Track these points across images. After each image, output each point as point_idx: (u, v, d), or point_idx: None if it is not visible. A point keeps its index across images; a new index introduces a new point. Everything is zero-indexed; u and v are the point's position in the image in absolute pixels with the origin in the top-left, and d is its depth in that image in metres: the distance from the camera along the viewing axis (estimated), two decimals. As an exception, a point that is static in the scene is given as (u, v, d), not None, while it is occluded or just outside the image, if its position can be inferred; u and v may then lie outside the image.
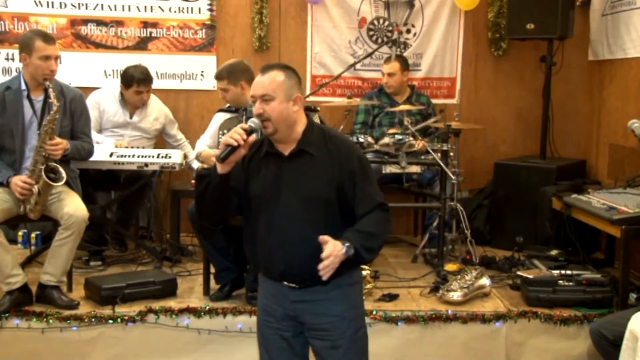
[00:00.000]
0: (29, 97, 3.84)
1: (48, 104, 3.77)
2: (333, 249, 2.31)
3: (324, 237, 2.33)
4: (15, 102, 3.82)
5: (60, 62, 5.14)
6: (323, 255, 2.31)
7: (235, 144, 2.36)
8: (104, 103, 4.83)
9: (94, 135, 4.39)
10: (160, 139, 5.12)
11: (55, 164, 3.71)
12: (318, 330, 2.49)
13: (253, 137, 2.42)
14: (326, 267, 2.31)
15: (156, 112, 4.98)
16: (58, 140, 3.70)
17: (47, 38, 3.79)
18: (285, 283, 2.49)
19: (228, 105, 4.29)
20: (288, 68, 2.51)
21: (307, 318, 2.49)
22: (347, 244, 2.34)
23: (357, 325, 2.56)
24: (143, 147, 4.72)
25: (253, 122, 2.41)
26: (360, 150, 2.56)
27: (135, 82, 4.74)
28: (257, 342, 2.65)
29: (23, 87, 3.83)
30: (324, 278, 2.34)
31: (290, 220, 2.42)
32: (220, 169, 2.39)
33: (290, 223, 2.42)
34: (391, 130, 4.85)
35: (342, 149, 2.49)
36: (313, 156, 2.45)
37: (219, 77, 4.20)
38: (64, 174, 3.72)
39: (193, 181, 4.59)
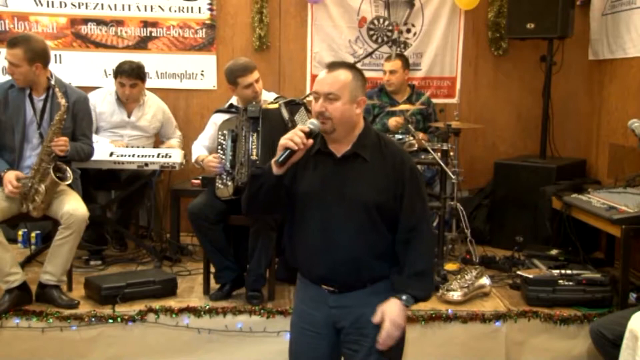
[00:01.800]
0: (30, 95, 3.85)
1: (55, 104, 3.78)
2: (390, 330, 2.36)
3: (377, 319, 2.35)
4: (18, 100, 3.83)
5: (60, 62, 5.22)
6: (380, 344, 2.36)
7: (296, 147, 2.28)
8: (100, 104, 4.79)
9: None
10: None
11: (61, 164, 3.72)
12: (356, 335, 2.44)
13: (311, 140, 2.33)
14: (386, 345, 2.37)
15: (154, 110, 4.95)
16: (62, 138, 3.71)
17: (9, 42, 3.79)
18: (324, 287, 2.43)
19: (228, 105, 4.28)
20: (355, 68, 2.44)
21: (346, 323, 2.44)
22: (404, 298, 2.37)
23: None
24: (143, 147, 4.72)
25: (312, 123, 2.34)
26: (414, 161, 2.52)
27: (119, 73, 4.71)
28: (289, 348, 2.59)
29: None
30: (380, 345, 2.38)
31: (335, 222, 2.36)
32: (277, 170, 2.32)
33: (335, 226, 2.36)
34: (392, 120, 4.84)
35: (397, 157, 2.42)
36: (366, 161, 2.39)
37: (251, 69, 4.00)
38: (70, 174, 3.73)
39: (194, 181, 4.65)
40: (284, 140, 2.30)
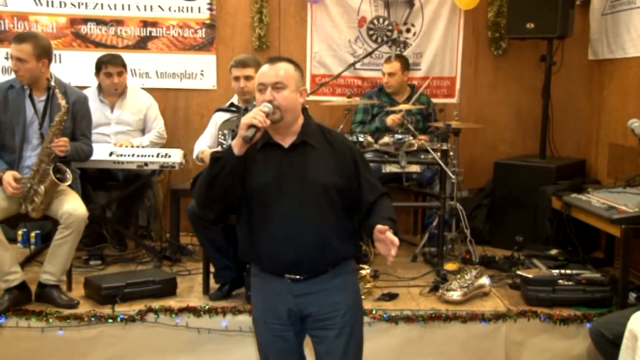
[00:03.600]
0: (30, 96, 3.85)
1: (55, 105, 3.77)
2: (392, 239, 2.39)
3: (383, 227, 2.36)
4: (18, 100, 3.83)
5: (60, 62, 5.22)
6: (394, 241, 2.37)
7: (260, 125, 2.36)
8: None
9: None
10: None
11: (61, 164, 3.72)
12: (323, 320, 2.51)
13: (269, 121, 2.41)
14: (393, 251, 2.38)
15: (136, 102, 4.94)
16: (63, 138, 3.71)
17: (15, 37, 3.79)
18: (288, 276, 2.49)
19: (228, 104, 4.28)
20: (294, 61, 2.56)
21: (313, 310, 2.51)
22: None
23: (359, 311, 2.64)
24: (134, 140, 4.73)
25: (267, 105, 2.42)
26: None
27: (102, 63, 4.75)
28: (257, 345, 2.64)
29: (26, 86, 3.84)
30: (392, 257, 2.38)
31: (296, 210, 2.43)
32: (238, 150, 2.39)
33: (297, 213, 2.43)
34: (390, 117, 4.84)
35: (342, 142, 2.58)
36: (314, 148, 2.49)
37: (245, 64, 4.10)
38: (70, 174, 3.73)
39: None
40: (247, 119, 2.37)
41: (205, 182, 2.46)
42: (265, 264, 2.55)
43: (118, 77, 4.78)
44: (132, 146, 4.66)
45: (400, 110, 4.81)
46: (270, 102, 2.43)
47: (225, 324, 3.69)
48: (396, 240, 2.37)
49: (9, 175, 3.67)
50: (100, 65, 4.77)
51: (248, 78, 4.09)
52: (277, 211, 2.45)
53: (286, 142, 2.51)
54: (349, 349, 2.53)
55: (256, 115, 2.36)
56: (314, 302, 2.50)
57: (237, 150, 2.39)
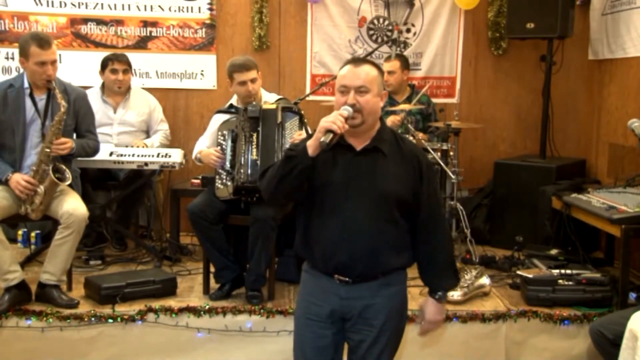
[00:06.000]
0: (31, 95, 3.84)
1: (55, 104, 3.77)
2: (429, 328, 2.65)
3: (423, 330, 2.68)
4: (18, 99, 3.82)
5: (60, 62, 5.14)
6: (428, 329, 2.64)
7: (339, 131, 2.33)
8: None
9: None
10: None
11: (60, 164, 3.71)
12: (361, 324, 2.50)
13: (347, 126, 2.38)
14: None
15: (139, 103, 4.94)
16: (63, 139, 3.72)
17: (42, 43, 3.73)
18: (337, 277, 2.48)
19: (228, 105, 4.28)
20: (377, 64, 2.54)
21: (356, 313, 2.50)
22: (439, 295, 2.57)
23: (401, 323, 2.61)
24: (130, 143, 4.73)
25: (346, 109, 2.39)
26: (428, 158, 2.68)
27: (109, 60, 4.77)
28: (293, 341, 2.63)
29: (26, 85, 3.84)
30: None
31: (356, 215, 2.42)
32: (312, 152, 2.36)
33: (355, 218, 2.42)
34: (390, 119, 4.85)
35: (414, 152, 2.53)
36: (385, 155, 2.46)
37: (247, 67, 4.01)
38: (69, 174, 3.73)
39: (194, 180, 4.65)
40: (327, 123, 2.33)
41: (276, 179, 2.44)
42: (317, 262, 2.53)
43: (123, 74, 4.82)
44: (145, 147, 4.67)
45: (401, 111, 4.81)
46: (352, 105, 2.40)
47: (225, 324, 3.69)
48: (426, 331, 2.64)
49: (18, 176, 3.68)
50: (106, 62, 4.80)
51: (253, 80, 4.06)
52: (336, 213, 2.43)
53: (358, 145, 2.47)
54: (382, 357, 2.52)
55: (336, 121, 2.33)
56: (358, 306, 2.49)
57: (311, 151, 2.36)
